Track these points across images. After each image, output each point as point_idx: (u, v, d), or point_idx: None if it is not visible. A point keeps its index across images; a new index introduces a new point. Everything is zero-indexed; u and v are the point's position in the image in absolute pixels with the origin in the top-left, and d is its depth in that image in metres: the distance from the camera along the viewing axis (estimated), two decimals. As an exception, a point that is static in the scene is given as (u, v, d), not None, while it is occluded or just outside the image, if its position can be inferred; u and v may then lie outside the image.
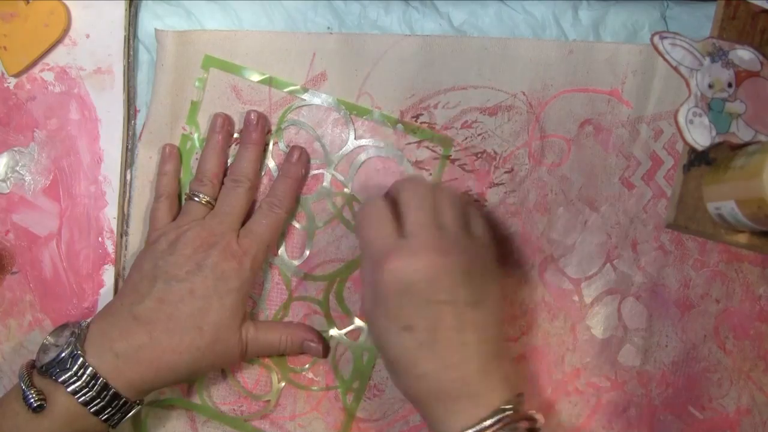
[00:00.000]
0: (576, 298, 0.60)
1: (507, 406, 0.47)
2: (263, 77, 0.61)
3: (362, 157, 0.60)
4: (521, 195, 0.60)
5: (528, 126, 0.59)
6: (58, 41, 0.61)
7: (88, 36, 0.61)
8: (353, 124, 0.60)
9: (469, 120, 0.60)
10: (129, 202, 0.62)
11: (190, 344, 0.53)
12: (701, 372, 0.59)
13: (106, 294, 0.61)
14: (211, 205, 0.58)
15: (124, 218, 0.62)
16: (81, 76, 0.61)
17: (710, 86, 0.48)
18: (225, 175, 0.60)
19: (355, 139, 0.61)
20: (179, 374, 0.54)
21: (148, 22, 0.61)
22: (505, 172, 0.60)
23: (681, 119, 0.48)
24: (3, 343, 0.62)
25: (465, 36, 0.60)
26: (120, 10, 0.60)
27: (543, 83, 0.59)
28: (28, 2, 0.60)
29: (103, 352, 0.52)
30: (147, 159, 0.62)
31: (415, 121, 0.60)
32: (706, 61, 0.49)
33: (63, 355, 0.51)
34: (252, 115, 0.59)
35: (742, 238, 0.49)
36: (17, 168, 0.62)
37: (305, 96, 0.61)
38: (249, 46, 0.60)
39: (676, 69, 0.48)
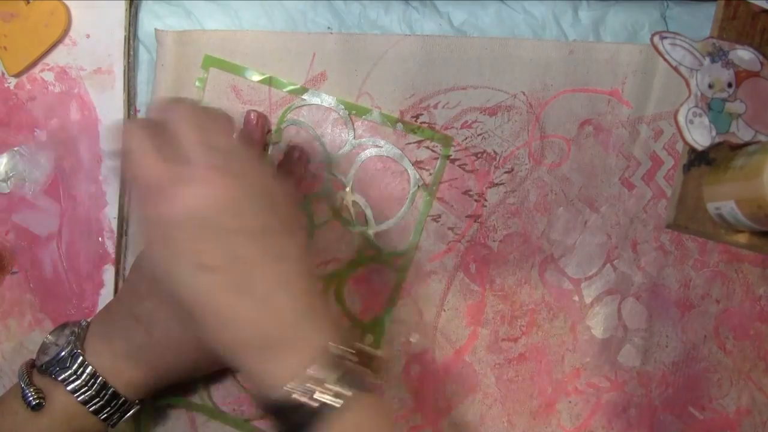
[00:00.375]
0: (576, 298, 0.60)
1: (338, 347, 0.43)
2: (263, 77, 0.61)
3: (362, 156, 0.60)
4: (521, 195, 0.60)
5: (528, 126, 0.59)
6: (58, 41, 0.61)
7: (88, 36, 0.61)
8: (353, 123, 0.60)
9: (469, 120, 0.60)
10: (129, 202, 0.62)
11: (190, 344, 0.53)
12: (701, 372, 0.59)
13: (106, 294, 0.61)
14: None
15: (124, 218, 0.62)
16: (81, 76, 0.61)
17: (710, 86, 0.48)
18: None
19: (354, 138, 0.61)
20: (179, 374, 0.54)
21: (148, 22, 0.61)
22: (505, 172, 0.60)
23: (681, 119, 0.48)
24: (3, 343, 0.62)
25: (465, 36, 0.60)
26: (120, 10, 0.60)
27: (543, 83, 0.59)
28: (28, 2, 0.60)
29: (102, 352, 0.52)
30: (147, 159, 0.62)
31: (415, 121, 0.60)
32: (706, 61, 0.49)
33: (63, 353, 0.51)
34: (252, 114, 0.59)
35: (742, 238, 0.49)
36: (17, 168, 0.62)
37: (305, 96, 0.61)
38: (249, 46, 0.60)
39: (676, 69, 0.48)
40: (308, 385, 0.41)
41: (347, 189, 0.61)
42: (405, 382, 0.60)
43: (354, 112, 0.60)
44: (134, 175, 0.44)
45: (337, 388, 0.41)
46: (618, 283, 0.59)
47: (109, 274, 0.62)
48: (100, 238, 0.62)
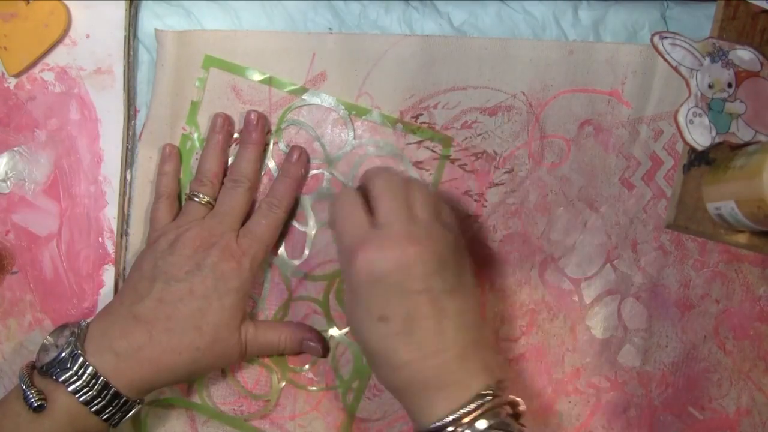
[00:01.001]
0: (576, 298, 0.60)
1: (487, 392, 0.47)
2: (263, 77, 0.61)
3: (362, 156, 0.60)
4: (521, 195, 0.60)
5: (528, 126, 0.59)
6: (58, 41, 0.61)
7: (88, 36, 0.61)
8: (353, 124, 0.60)
9: (469, 120, 0.60)
10: (129, 202, 0.62)
11: (190, 344, 0.53)
12: (701, 372, 0.59)
13: (106, 294, 0.61)
14: (211, 205, 0.58)
15: (124, 218, 0.62)
16: (81, 76, 0.61)
17: (710, 86, 0.48)
18: (225, 174, 0.60)
19: (354, 139, 0.61)
20: (179, 374, 0.54)
21: (148, 22, 0.61)
22: (505, 172, 0.60)
23: (681, 119, 0.48)
24: (3, 343, 0.62)
25: (465, 36, 0.60)
26: (120, 10, 0.60)
27: (543, 83, 0.59)
28: (28, 2, 0.60)
29: (103, 352, 0.52)
30: (147, 159, 0.61)
31: (415, 121, 0.60)
32: (706, 61, 0.49)
33: (63, 354, 0.51)
34: (252, 115, 0.59)
35: (742, 238, 0.49)
36: (17, 168, 0.62)
37: (305, 96, 0.60)
38: (249, 45, 0.60)
39: (676, 69, 0.48)
40: (455, 425, 0.46)
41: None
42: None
43: (354, 112, 0.60)
44: (339, 233, 0.51)
45: (482, 427, 0.46)
46: (618, 284, 0.59)
47: (109, 274, 0.62)
48: (100, 238, 0.62)
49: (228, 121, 0.60)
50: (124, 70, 0.61)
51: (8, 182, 0.62)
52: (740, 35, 0.50)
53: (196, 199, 0.58)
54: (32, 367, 0.53)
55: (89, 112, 0.61)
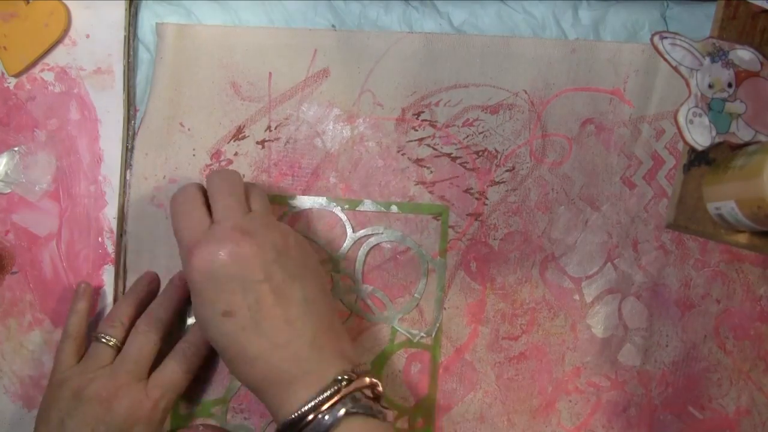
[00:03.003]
0: (576, 297, 0.60)
1: (344, 377, 0.47)
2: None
3: (365, 248, 0.61)
4: (522, 193, 0.60)
5: (529, 124, 0.59)
6: (58, 41, 0.60)
7: (88, 36, 0.61)
8: (348, 219, 0.61)
9: (470, 118, 0.60)
10: (129, 202, 0.62)
11: None
12: (701, 372, 0.59)
13: (105, 294, 0.61)
14: (118, 348, 0.56)
15: (124, 218, 0.62)
16: (81, 76, 0.61)
17: (710, 86, 0.48)
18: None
19: (353, 232, 0.61)
20: None
21: (148, 21, 0.61)
22: (507, 171, 0.60)
23: (681, 119, 0.48)
24: (3, 343, 0.62)
25: (467, 34, 0.60)
26: (120, 10, 0.60)
27: (545, 82, 0.59)
28: (28, 2, 0.59)
29: None
30: (143, 156, 0.61)
31: (417, 118, 0.60)
32: (706, 61, 0.49)
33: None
34: (181, 274, 0.59)
35: (742, 238, 0.49)
36: (17, 168, 0.62)
37: (294, 202, 0.61)
38: (249, 42, 0.60)
39: (676, 69, 0.48)
40: (314, 412, 0.46)
41: (359, 284, 0.61)
42: (405, 380, 0.60)
43: (347, 206, 0.60)
44: (177, 232, 0.52)
45: (341, 413, 0.46)
46: (618, 282, 0.59)
47: (108, 274, 0.62)
48: (99, 238, 0.61)
49: (153, 281, 0.60)
50: (124, 70, 0.61)
51: (8, 182, 0.62)
52: (740, 35, 0.50)
53: (104, 341, 0.56)
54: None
55: (89, 112, 0.61)
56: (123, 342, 0.56)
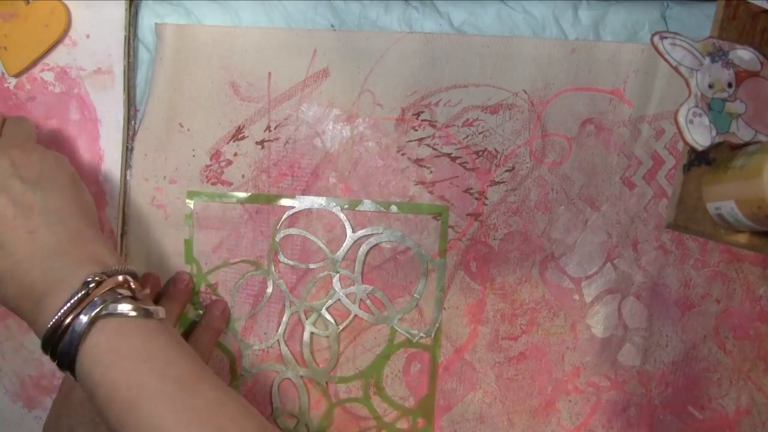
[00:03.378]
0: (576, 296, 0.60)
1: (94, 279, 0.45)
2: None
3: (364, 248, 0.61)
4: (522, 193, 0.60)
5: (529, 124, 0.59)
6: (58, 41, 0.61)
7: (88, 36, 0.61)
8: (348, 219, 0.61)
9: (470, 118, 0.60)
10: (129, 202, 0.62)
11: None
12: (701, 372, 0.59)
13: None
14: None
15: (124, 218, 0.62)
16: (81, 76, 0.61)
17: (710, 86, 0.48)
18: None
19: (353, 232, 0.61)
20: None
21: (148, 21, 0.61)
22: (506, 171, 0.60)
23: (681, 119, 0.48)
24: (3, 343, 0.62)
25: (467, 34, 0.60)
26: (120, 10, 0.60)
27: (545, 82, 0.59)
28: (28, 2, 0.59)
29: None
30: (142, 156, 0.61)
31: (416, 118, 0.60)
32: (706, 61, 0.49)
33: None
34: (185, 276, 0.60)
35: (742, 238, 0.49)
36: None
37: (294, 203, 0.61)
38: (249, 41, 0.60)
39: (676, 69, 0.48)
40: (66, 319, 0.44)
41: (358, 284, 0.61)
42: (405, 381, 0.60)
43: (346, 206, 0.60)
44: None
45: (86, 318, 0.44)
46: (618, 282, 0.59)
47: (109, 273, 0.62)
48: (100, 238, 0.62)
49: (155, 284, 0.60)
50: (124, 70, 0.61)
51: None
52: (740, 35, 0.50)
53: None
54: None
55: (89, 112, 0.61)
56: None
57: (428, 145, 0.60)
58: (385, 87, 0.60)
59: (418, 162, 0.60)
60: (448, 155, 0.60)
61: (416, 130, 0.60)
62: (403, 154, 0.60)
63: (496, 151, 0.60)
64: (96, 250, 0.48)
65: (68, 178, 0.51)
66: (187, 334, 0.59)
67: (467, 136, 0.60)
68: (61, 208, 0.49)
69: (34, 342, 0.62)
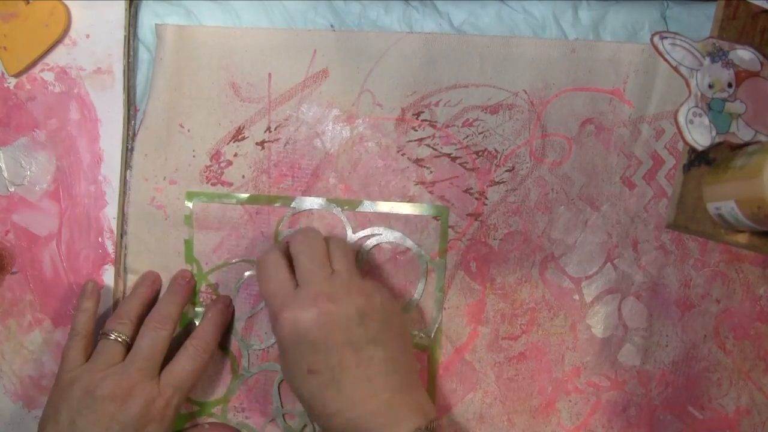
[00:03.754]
0: (576, 296, 0.60)
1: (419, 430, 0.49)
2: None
3: (364, 249, 0.61)
4: (522, 193, 0.60)
5: (529, 124, 0.59)
6: (58, 41, 0.61)
7: (88, 36, 0.61)
8: (348, 220, 0.61)
9: (470, 118, 0.60)
10: (129, 202, 0.62)
11: None
12: (701, 372, 0.59)
13: (105, 294, 0.61)
14: (128, 345, 0.57)
15: (124, 218, 0.62)
16: (81, 76, 0.61)
17: (710, 86, 0.48)
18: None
19: (353, 233, 0.61)
20: None
21: (148, 22, 0.61)
22: (506, 171, 0.60)
23: (681, 119, 0.48)
24: (3, 343, 0.62)
25: (467, 34, 0.60)
26: (120, 10, 0.60)
27: (545, 82, 0.59)
28: (28, 2, 0.59)
29: None
30: (142, 157, 0.61)
31: (416, 118, 0.60)
32: (706, 61, 0.49)
33: None
34: (187, 274, 0.61)
35: (742, 238, 0.49)
36: (17, 168, 0.62)
37: (294, 203, 0.61)
38: (249, 42, 0.60)
39: (676, 69, 0.48)
40: None
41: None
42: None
43: (346, 207, 0.60)
44: (265, 295, 0.53)
45: None
46: (618, 282, 0.59)
47: (109, 274, 0.62)
48: (99, 238, 0.62)
49: (157, 278, 0.61)
50: (124, 70, 0.61)
51: (8, 182, 0.62)
52: (740, 35, 0.50)
53: (112, 337, 0.57)
54: None
55: (89, 112, 0.61)
56: (132, 339, 0.57)
57: (428, 145, 0.60)
58: (385, 87, 0.60)
59: (418, 162, 0.60)
60: (448, 155, 0.60)
61: (416, 130, 0.60)
62: (403, 155, 0.60)
63: (496, 151, 0.60)
64: (420, 401, 0.52)
65: (401, 324, 0.55)
66: (188, 333, 0.59)
67: (467, 136, 0.60)
68: (396, 359, 0.52)
69: (34, 342, 0.62)
